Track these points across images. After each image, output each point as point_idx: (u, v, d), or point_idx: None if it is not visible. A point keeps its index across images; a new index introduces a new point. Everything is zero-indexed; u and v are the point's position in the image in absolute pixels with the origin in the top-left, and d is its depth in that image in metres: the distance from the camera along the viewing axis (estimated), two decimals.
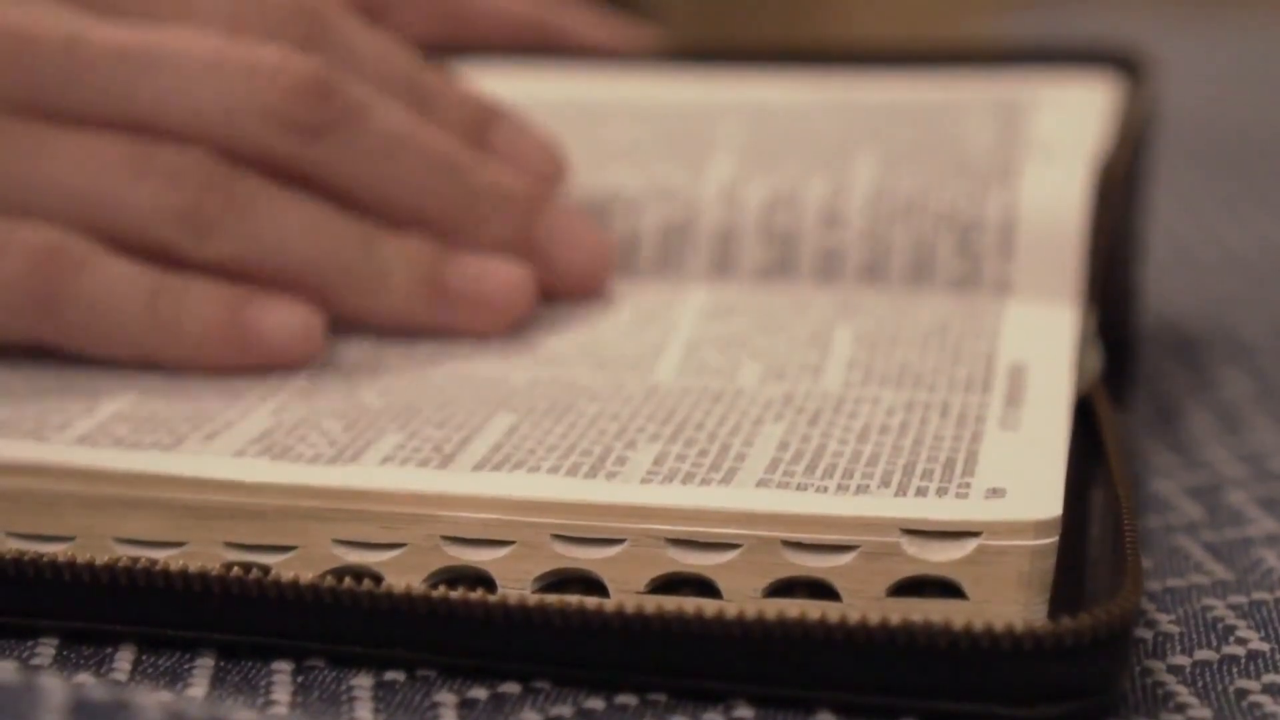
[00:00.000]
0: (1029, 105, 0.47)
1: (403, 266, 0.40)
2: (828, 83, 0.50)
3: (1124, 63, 0.49)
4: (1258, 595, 0.35)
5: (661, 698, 0.32)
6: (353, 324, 0.40)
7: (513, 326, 0.40)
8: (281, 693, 0.32)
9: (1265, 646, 0.33)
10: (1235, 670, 0.33)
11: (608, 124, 0.48)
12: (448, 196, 0.41)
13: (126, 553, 0.34)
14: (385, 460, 0.34)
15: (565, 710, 0.31)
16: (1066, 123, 0.46)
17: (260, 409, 0.37)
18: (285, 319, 0.39)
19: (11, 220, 0.39)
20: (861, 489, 0.33)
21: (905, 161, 0.45)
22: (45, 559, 0.33)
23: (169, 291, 0.39)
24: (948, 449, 0.34)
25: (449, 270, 0.40)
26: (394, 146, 0.40)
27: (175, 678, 0.32)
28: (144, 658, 0.33)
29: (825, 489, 0.33)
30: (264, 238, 0.39)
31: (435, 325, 0.40)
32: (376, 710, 0.31)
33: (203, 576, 0.32)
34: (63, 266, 0.38)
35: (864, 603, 0.31)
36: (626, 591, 0.32)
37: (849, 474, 0.33)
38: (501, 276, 0.40)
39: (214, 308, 0.39)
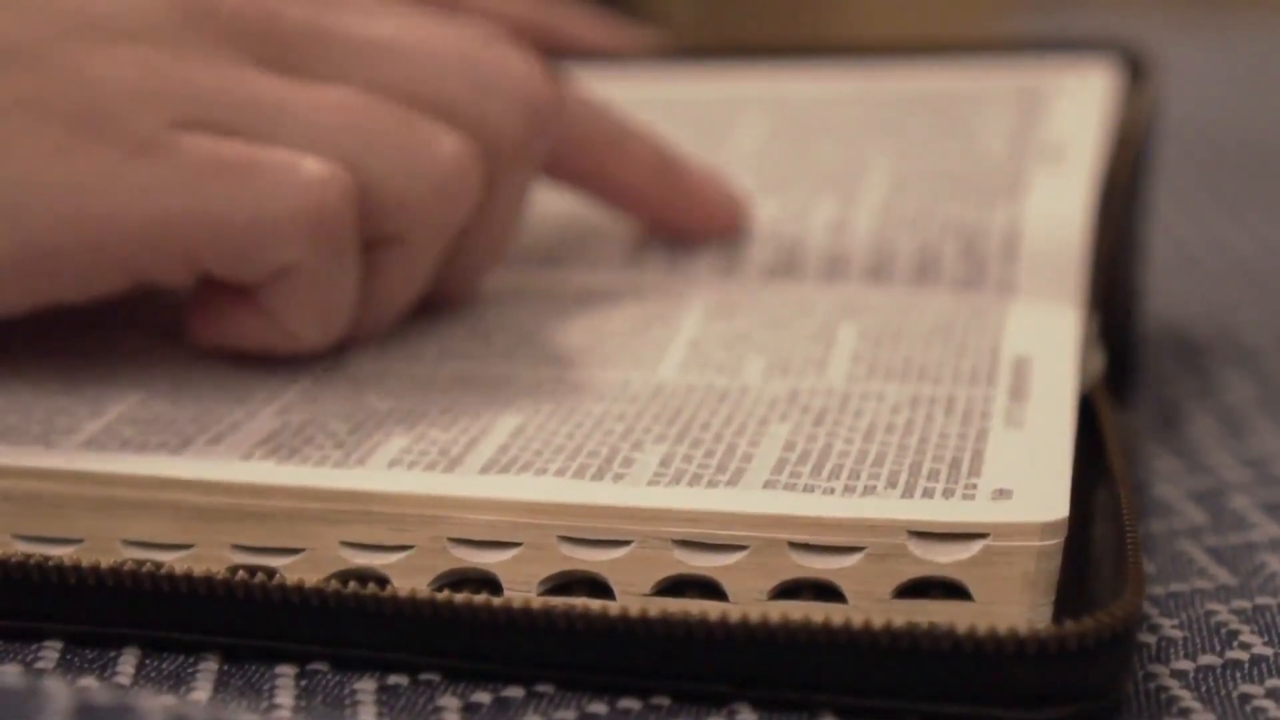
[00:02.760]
0: (1046, 94, 0.47)
1: (646, 148, 0.44)
2: (846, 76, 0.50)
3: (1127, 56, 0.49)
4: (1261, 600, 0.35)
5: (665, 701, 0.31)
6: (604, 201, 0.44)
7: (728, 229, 0.44)
8: (285, 696, 0.32)
9: (1269, 651, 0.33)
10: (1239, 675, 0.33)
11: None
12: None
13: (134, 555, 0.34)
14: (392, 463, 0.34)
15: (568, 714, 0.31)
16: (1078, 116, 0.46)
17: (265, 411, 0.37)
18: None
19: (439, 123, 0.38)
20: (868, 490, 0.33)
21: (918, 169, 0.45)
22: (50, 562, 0.33)
23: None
24: (953, 448, 0.34)
25: (678, 168, 0.44)
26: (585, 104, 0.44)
27: (179, 681, 0.32)
28: (148, 661, 0.33)
29: (832, 490, 0.33)
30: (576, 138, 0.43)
31: (670, 208, 0.44)
32: (380, 714, 0.31)
33: (206, 580, 0.32)
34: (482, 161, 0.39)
35: (869, 605, 0.31)
36: (632, 594, 0.32)
37: (855, 475, 0.33)
38: (719, 187, 0.45)
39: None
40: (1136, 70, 0.48)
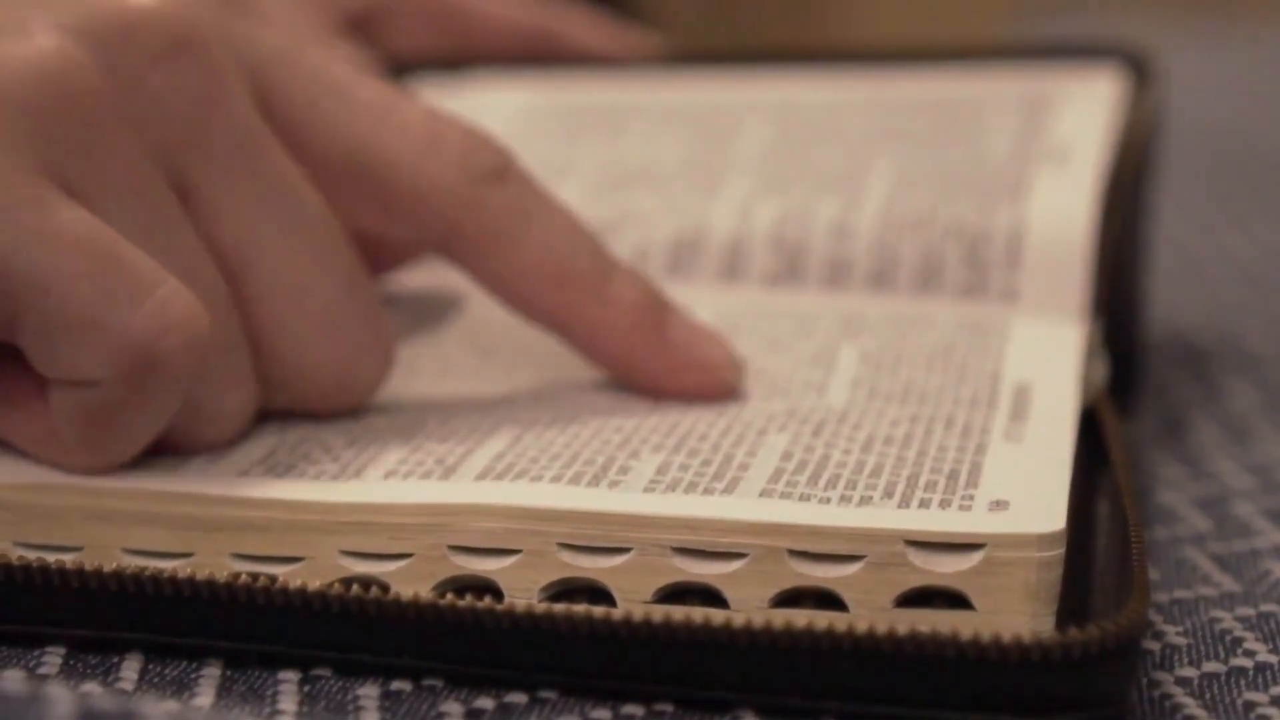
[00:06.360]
0: (1051, 98, 0.47)
1: (630, 288, 0.38)
2: (851, 80, 0.50)
3: (1131, 61, 0.49)
4: (1265, 607, 0.35)
5: (668, 708, 0.31)
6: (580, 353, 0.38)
7: (718, 394, 0.38)
8: (288, 702, 0.32)
9: (1273, 659, 0.33)
10: (1243, 683, 0.33)
11: (627, 133, 0.48)
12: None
13: (134, 563, 0.34)
14: (389, 474, 0.34)
15: None
16: (1083, 120, 0.46)
17: (264, 427, 0.37)
18: None
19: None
20: (864, 501, 0.33)
21: (921, 170, 0.45)
22: (53, 566, 0.33)
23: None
24: (951, 460, 0.34)
25: (669, 316, 0.38)
26: (567, 228, 0.38)
27: (182, 687, 0.32)
28: (150, 666, 0.33)
29: (828, 500, 0.33)
30: (531, 239, 0.37)
31: (651, 361, 0.38)
32: None
33: (209, 584, 0.32)
34: None
35: (871, 613, 0.31)
36: (634, 601, 0.32)
37: (852, 485, 0.33)
38: (714, 342, 0.38)
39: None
40: (1141, 75, 0.48)
